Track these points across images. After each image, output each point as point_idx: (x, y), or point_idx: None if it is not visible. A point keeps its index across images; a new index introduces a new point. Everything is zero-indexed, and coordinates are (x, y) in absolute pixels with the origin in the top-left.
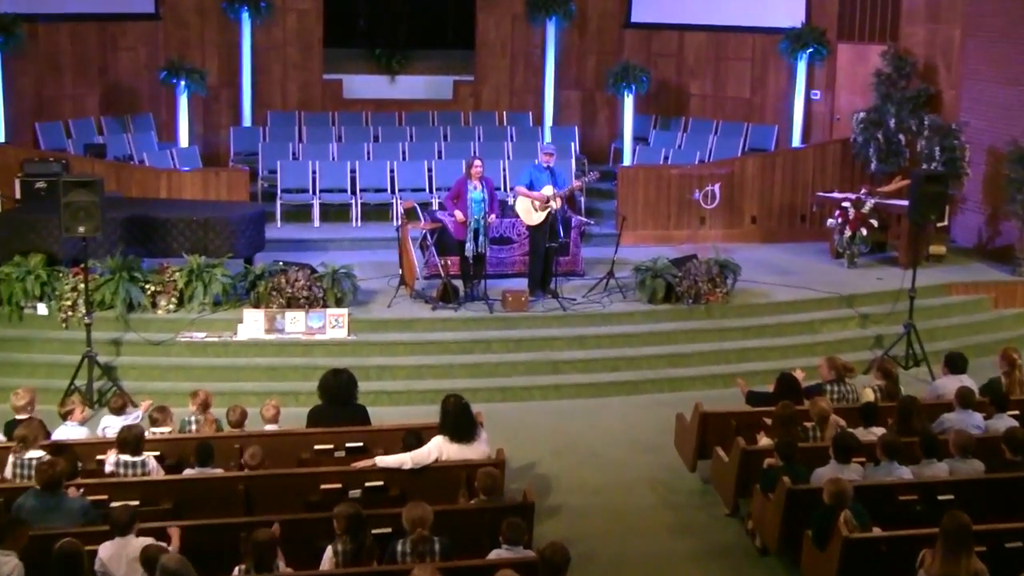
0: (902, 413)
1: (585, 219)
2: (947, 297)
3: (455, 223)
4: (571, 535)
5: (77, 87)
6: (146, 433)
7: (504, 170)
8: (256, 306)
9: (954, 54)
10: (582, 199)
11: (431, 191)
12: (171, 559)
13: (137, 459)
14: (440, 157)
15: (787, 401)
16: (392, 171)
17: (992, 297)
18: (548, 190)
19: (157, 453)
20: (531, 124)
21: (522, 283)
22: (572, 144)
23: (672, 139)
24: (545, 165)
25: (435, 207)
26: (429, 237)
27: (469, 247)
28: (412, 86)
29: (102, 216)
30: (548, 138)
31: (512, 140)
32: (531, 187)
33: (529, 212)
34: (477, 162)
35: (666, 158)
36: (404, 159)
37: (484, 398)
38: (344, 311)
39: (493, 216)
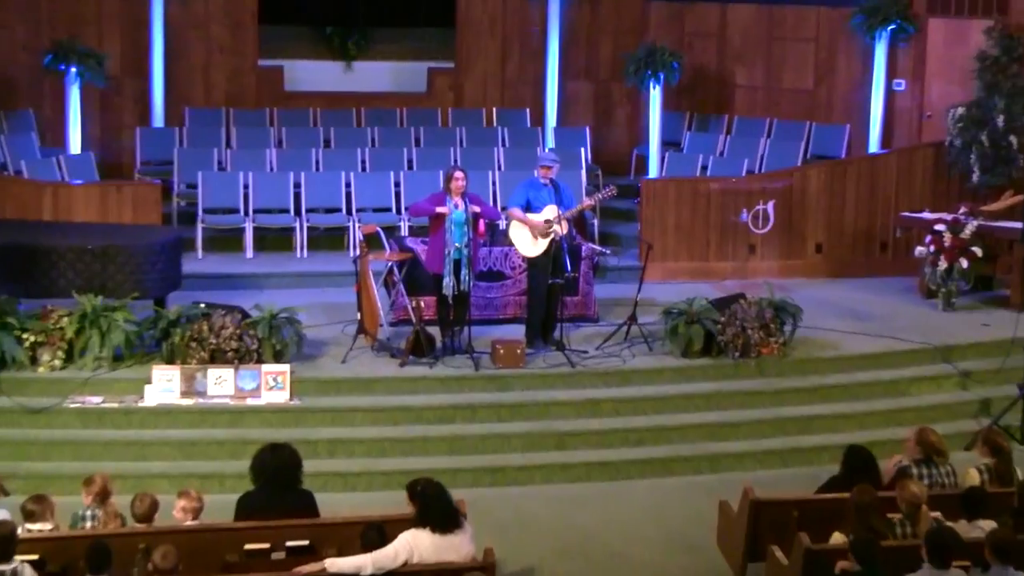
0: (1019, 501)
1: (599, 248)
2: None
3: (430, 252)
4: None
5: None
6: (19, 530)
7: (493, 185)
8: (170, 362)
9: None
10: (595, 222)
11: (399, 212)
12: None
13: (6, 567)
14: (410, 168)
15: (866, 485)
16: (348, 186)
17: None
18: (551, 211)
19: (35, 557)
20: (528, 125)
21: (518, 331)
22: (582, 151)
23: (712, 143)
24: (546, 179)
25: (404, 233)
26: (396, 271)
27: (449, 284)
28: (374, 75)
29: None
30: (550, 143)
31: (504, 146)
32: (528, 208)
33: (526, 240)
34: (459, 174)
35: (704, 168)
36: (364, 170)
37: (468, 481)
38: (285, 368)
39: (482, 231)
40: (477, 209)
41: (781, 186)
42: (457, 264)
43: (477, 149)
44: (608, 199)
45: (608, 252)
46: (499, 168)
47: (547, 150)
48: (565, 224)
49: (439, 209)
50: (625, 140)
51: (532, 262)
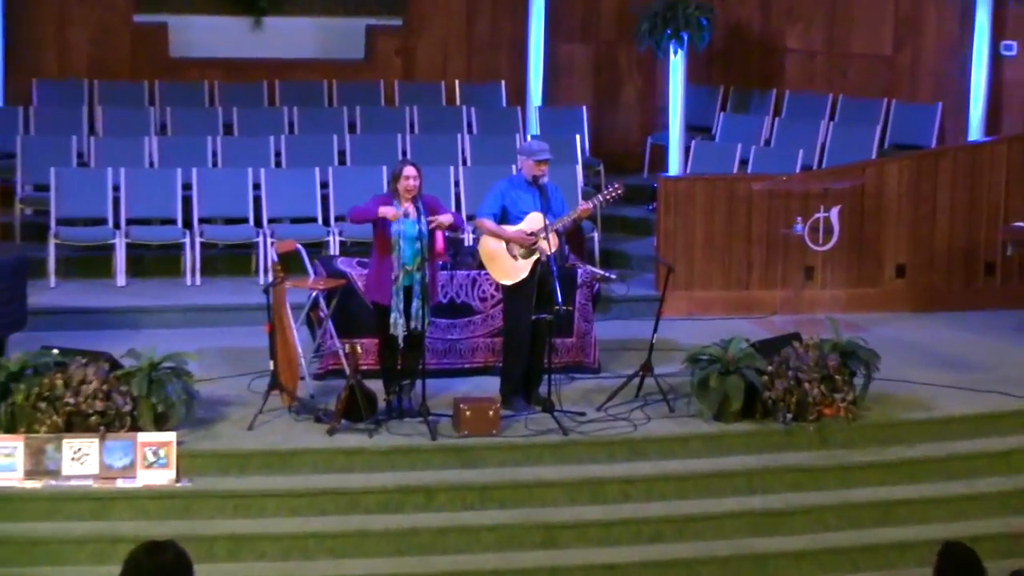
0: None
1: (601, 272)
2: None
3: (371, 278)
4: None
5: None
6: None
7: (456, 186)
8: (9, 430)
9: None
10: (596, 236)
11: (327, 223)
12: None
13: None
14: (342, 162)
15: None
16: (257, 188)
17: None
18: (534, 221)
19: None
20: (505, 104)
21: (491, 385)
22: (577, 139)
23: (754, 129)
24: (529, 178)
25: (334, 251)
26: (323, 304)
27: (397, 321)
28: (292, 36)
29: None
30: (535, 129)
31: (472, 132)
32: (506, 218)
33: (502, 261)
34: (409, 172)
35: (744, 162)
36: (278, 166)
37: None
38: (170, 437)
39: (441, 248)
40: (448, 221)
41: (848, 186)
42: (408, 294)
43: (434, 137)
44: (613, 203)
45: (613, 277)
46: (464, 163)
47: (531, 139)
48: (555, 239)
49: (383, 210)
50: (636, 124)
51: (510, 291)
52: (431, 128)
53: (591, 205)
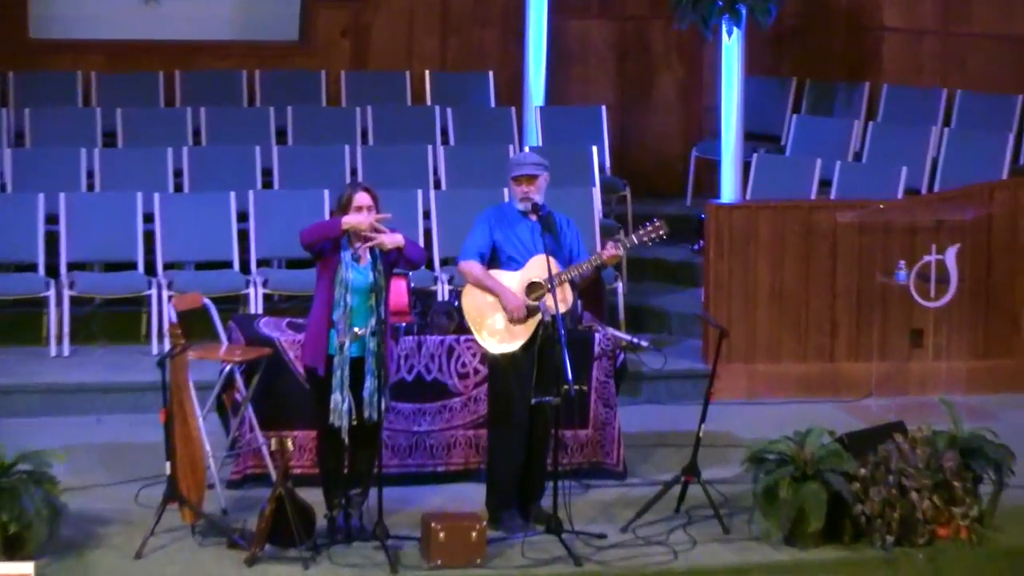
0: None
1: (628, 336)
2: None
3: (309, 341)
4: None
5: None
6: None
7: (427, 219)
8: None
9: None
10: (620, 287)
11: (246, 269)
12: None
13: None
14: (268, 184)
15: None
16: (150, 219)
17: None
18: (537, 268)
19: None
20: (494, 103)
21: (474, 495)
22: (594, 152)
23: (839, 137)
24: (525, 206)
25: (255, 307)
26: (241, 383)
27: (341, 407)
28: (199, 12)
29: None
30: (534, 138)
31: (448, 142)
32: (496, 260)
33: (492, 321)
34: (362, 199)
35: (826, 184)
36: (179, 189)
37: None
38: (27, 568)
39: (404, 305)
40: (393, 242)
41: (971, 217)
42: (357, 369)
43: (396, 149)
44: (644, 243)
45: (645, 344)
46: (437, 185)
47: (525, 154)
48: (567, 292)
49: (350, 220)
50: (675, 131)
51: (502, 364)
52: (391, 136)
53: (619, 250)
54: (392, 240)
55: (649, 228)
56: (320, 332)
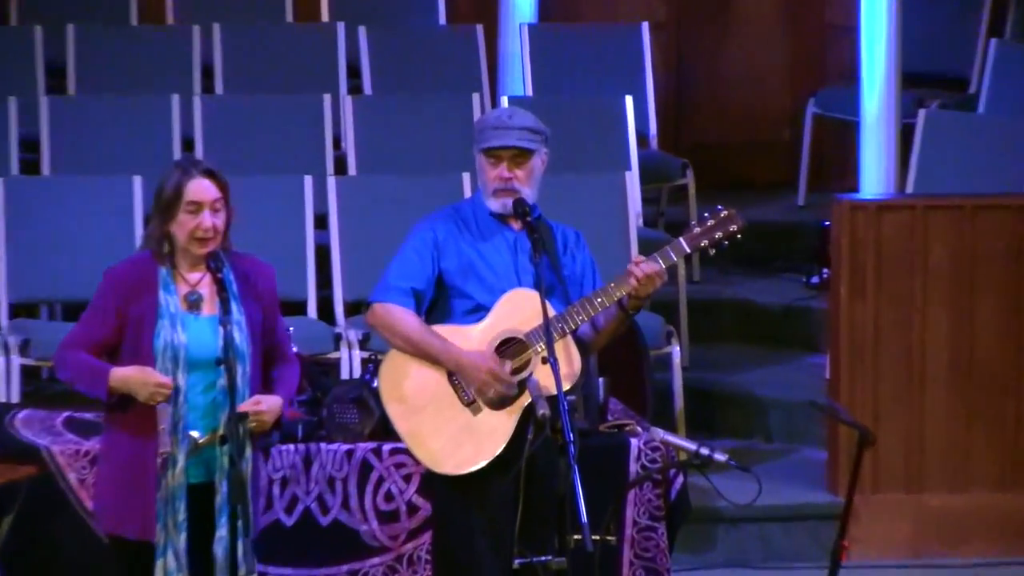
0: None
1: (693, 445)
2: None
3: (104, 470)
4: None
5: None
6: None
7: (321, 226)
8: None
9: None
10: (676, 354)
11: None
12: None
13: None
14: (33, 170)
15: None
16: None
17: None
18: (515, 313)
19: None
20: (444, 21)
21: None
22: (628, 109)
23: None
24: (504, 205)
25: (10, 397)
26: None
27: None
28: None
29: None
30: (519, 85)
31: (361, 90)
32: (445, 303)
33: (437, 415)
34: (200, 189)
35: None
36: None
37: None
38: None
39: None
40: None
41: None
42: (201, 503)
43: (265, 101)
44: (713, 251)
45: (722, 459)
46: (340, 168)
47: (505, 104)
48: (573, 357)
49: (126, 376)
50: (778, 69)
51: (456, 495)
52: (257, 78)
53: (660, 265)
54: (269, 406)
55: (710, 222)
56: (123, 466)
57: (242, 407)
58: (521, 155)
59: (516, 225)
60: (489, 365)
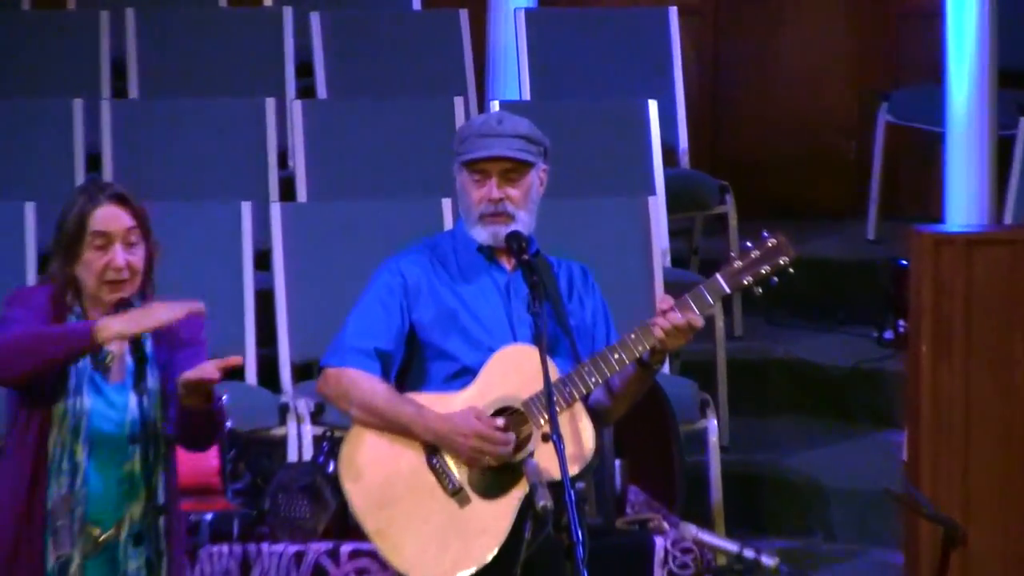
0: None
1: (734, 546)
2: None
3: None
4: None
5: None
6: None
7: (262, 266)
8: None
9: None
10: (712, 428)
11: None
12: None
13: None
14: None
15: None
16: None
17: None
18: (510, 375)
19: None
20: (419, 6)
21: None
22: (652, 116)
23: None
24: (494, 236)
25: None
26: None
27: None
28: None
29: None
30: (514, 87)
31: (314, 93)
32: (419, 364)
33: (407, 505)
34: (109, 217)
35: None
36: None
37: None
38: None
39: (215, 471)
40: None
41: None
42: None
43: (191, 104)
44: (758, 290)
45: (771, 564)
46: (287, 192)
47: (495, 108)
48: (583, 430)
49: (115, 325)
50: (840, 67)
51: None
52: (180, 75)
53: (695, 312)
54: (206, 373)
55: (755, 253)
56: (13, 551)
57: (188, 375)
58: (514, 169)
59: (508, 263)
60: (474, 426)
